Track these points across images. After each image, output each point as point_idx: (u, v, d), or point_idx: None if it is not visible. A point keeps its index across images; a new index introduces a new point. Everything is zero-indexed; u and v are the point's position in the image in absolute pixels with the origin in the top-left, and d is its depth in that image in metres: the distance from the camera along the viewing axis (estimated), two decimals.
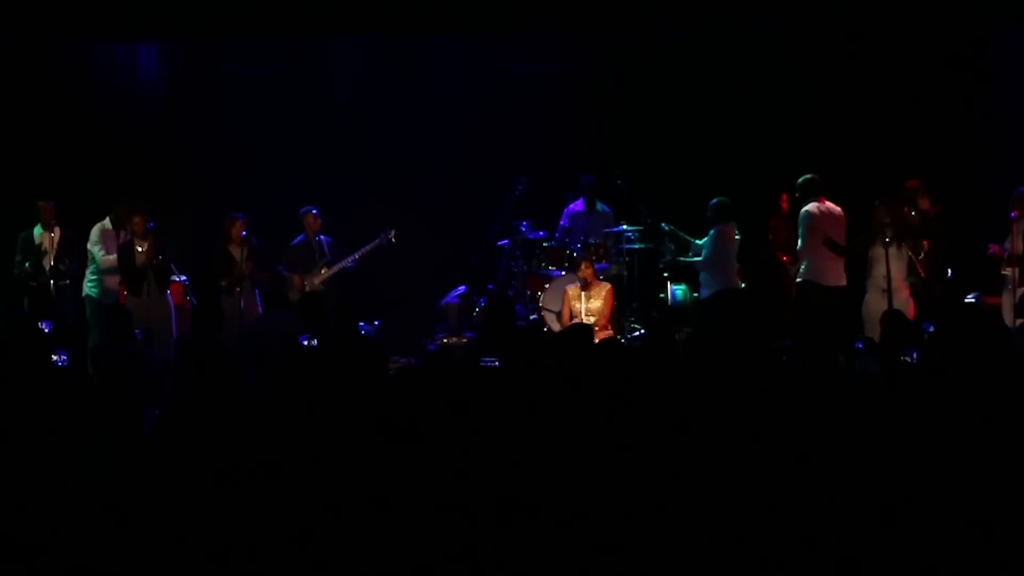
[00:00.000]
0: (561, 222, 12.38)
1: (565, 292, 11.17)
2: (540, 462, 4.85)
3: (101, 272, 11.05)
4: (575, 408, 5.29)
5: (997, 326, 6.34)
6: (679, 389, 5.59)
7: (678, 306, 11.92)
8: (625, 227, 12.09)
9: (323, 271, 11.72)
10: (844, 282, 10.77)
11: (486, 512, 4.64)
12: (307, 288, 11.35)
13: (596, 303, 10.97)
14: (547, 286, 11.80)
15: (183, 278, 11.27)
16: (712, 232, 11.24)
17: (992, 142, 12.11)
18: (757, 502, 4.67)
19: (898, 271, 10.33)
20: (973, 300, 10.64)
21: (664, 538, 4.60)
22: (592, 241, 11.86)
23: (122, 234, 11.06)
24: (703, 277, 11.34)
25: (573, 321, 10.71)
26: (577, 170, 12.40)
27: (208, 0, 11.29)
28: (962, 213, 10.99)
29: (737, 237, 11.33)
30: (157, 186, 12.10)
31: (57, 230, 11.30)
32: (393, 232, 11.78)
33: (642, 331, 11.53)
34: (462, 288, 12.31)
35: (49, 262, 11.19)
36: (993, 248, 10.51)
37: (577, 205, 12.43)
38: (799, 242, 10.75)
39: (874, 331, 9.19)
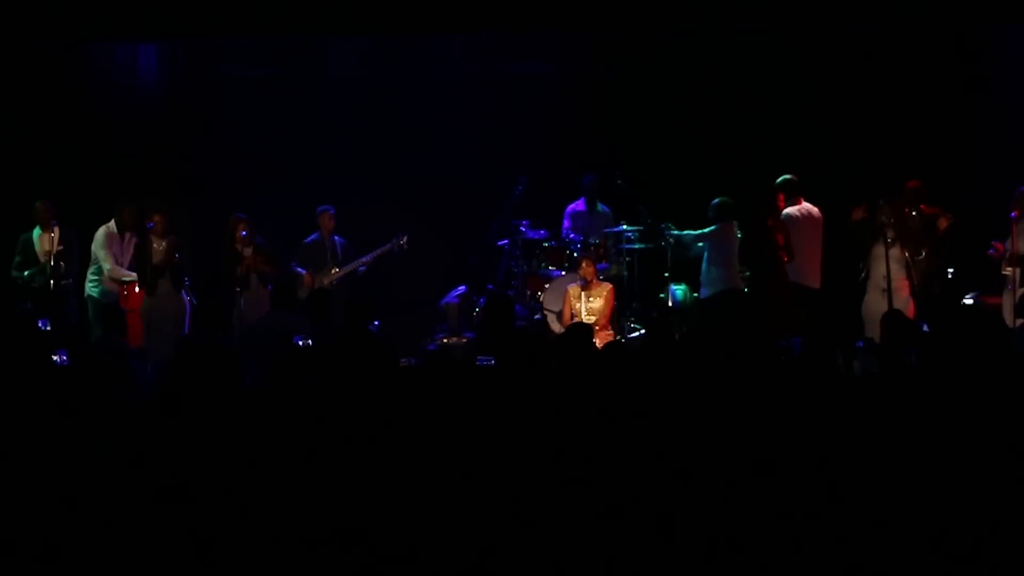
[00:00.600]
0: (564, 223, 12.39)
1: (566, 292, 11.16)
2: (540, 462, 4.85)
3: (102, 272, 11.07)
4: (575, 408, 5.30)
5: (997, 326, 6.35)
6: (679, 389, 5.59)
7: (678, 306, 11.92)
8: (625, 227, 12.09)
9: (334, 271, 11.73)
10: (818, 284, 10.95)
11: (486, 512, 4.64)
12: (317, 287, 11.36)
13: (597, 303, 10.96)
14: (547, 286, 11.80)
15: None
16: (713, 228, 11.23)
17: (992, 142, 12.10)
18: (757, 502, 4.67)
19: (898, 271, 10.34)
20: (972, 300, 10.63)
21: (664, 538, 4.60)
22: (592, 241, 11.86)
23: (127, 236, 11.06)
24: (704, 277, 11.34)
25: (573, 321, 10.70)
26: (577, 170, 12.41)
27: (208, 0, 11.30)
28: (962, 213, 10.99)
29: (739, 236, 11.33)
30: (157, 186, 12.09)
31: (56, 230, 11.25)
32: (405, 238, 11.78)
33: (642, 331, 11.53)
34: (462, 288, 12.29)
35: (49, 262, 11.17)
36: (996, 246, 10.51)
37: (578, 205, 12.44)
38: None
39: (874, 331, 9.20)
